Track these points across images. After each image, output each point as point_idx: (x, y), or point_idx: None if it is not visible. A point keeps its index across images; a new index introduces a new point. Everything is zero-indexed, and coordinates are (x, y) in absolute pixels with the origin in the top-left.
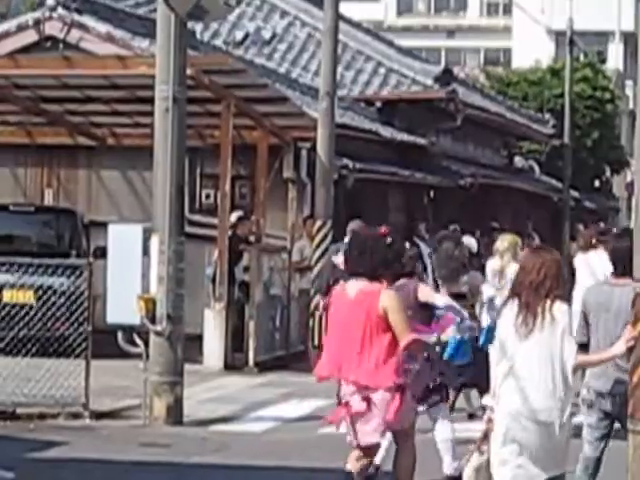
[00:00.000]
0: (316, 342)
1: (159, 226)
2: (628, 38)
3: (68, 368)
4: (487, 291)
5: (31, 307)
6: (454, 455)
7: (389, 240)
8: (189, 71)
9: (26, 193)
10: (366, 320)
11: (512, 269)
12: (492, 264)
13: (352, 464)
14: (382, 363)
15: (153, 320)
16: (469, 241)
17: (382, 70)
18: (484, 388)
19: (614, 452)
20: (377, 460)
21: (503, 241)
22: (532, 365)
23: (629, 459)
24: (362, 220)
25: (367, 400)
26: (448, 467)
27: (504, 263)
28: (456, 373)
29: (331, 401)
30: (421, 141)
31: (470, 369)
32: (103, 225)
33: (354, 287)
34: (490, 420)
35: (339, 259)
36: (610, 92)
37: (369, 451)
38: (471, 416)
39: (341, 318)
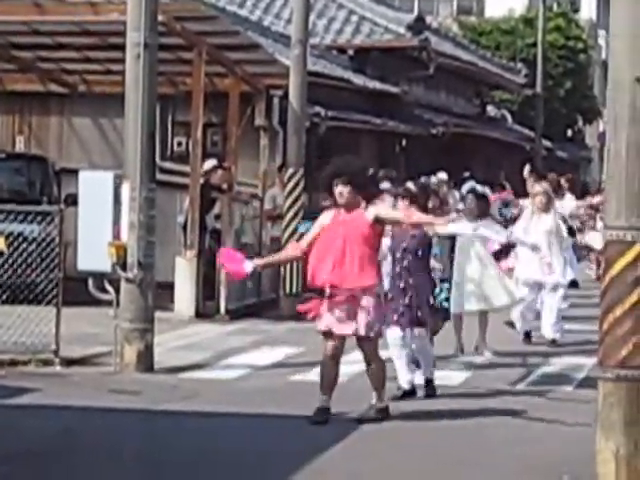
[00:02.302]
0: (288, 289)
1: (130, 173)
2: None
3: (39, 315)
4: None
5: (1, 254)
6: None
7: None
8: (161, 17)
9: None
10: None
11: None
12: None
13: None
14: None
15: (124, 267)
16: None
17: (355, 18)
18: None
19: (585, 401)
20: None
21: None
22: None
23: (598, 407)
24: None
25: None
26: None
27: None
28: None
29: (302, 349)
30: (393, 89)
31: None
32: (74, 172)
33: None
34: None
35: None
36: (583, 42)
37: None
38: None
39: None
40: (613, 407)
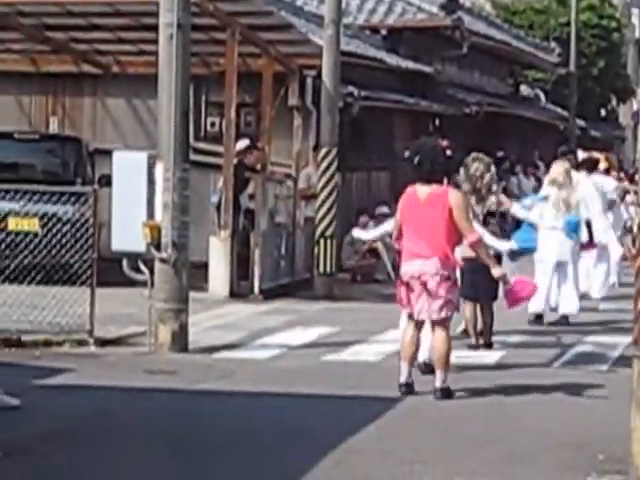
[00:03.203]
0: (321, 269)
1: (164, 153)
2: None
3: (73, 296)
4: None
5: (36, 235)
6: None
7: (449, 153)
8: None
9: (31, 121)
10: (437, 216)
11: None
12: (551, 196)
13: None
14: (446, 245)
15: (158, 247)
16: None
17: None
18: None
19: (620, 379)
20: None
21: (557, 171)
22: None
23: (634, 385)
24: (367, 148)
25: (424, 284)
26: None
27: (566, 193)
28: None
29: (335, 329)
30: (426, 69)
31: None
32: (108, 153)
33: (424, 190)
34: None
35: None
36: (616, 20)
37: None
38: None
39: (415, 215)
40: None
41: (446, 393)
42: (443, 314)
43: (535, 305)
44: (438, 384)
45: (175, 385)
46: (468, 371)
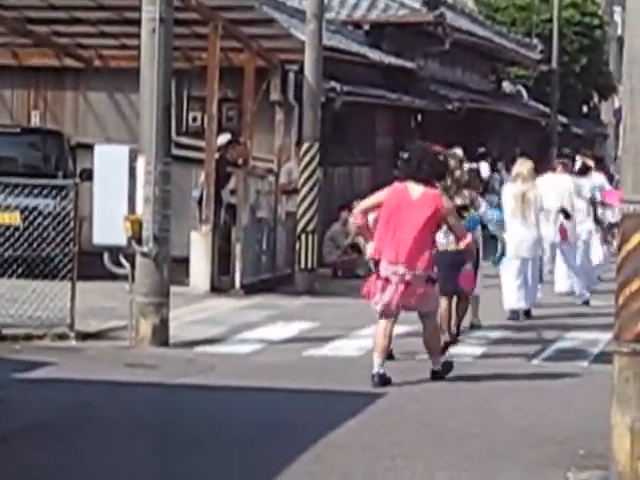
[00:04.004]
0: (303, 265)
1: (145, 147)
2: None
3: (54, 289)
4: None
5: (17, 228)
6: None
7: (442, 158)
8: None
9: (13, 115)
10: (427, 216)
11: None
12: (513, 188)
13: (380, 340)
14: (424, 250)
15: (139, 241)
16: (482, 166)
17: None
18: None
19: (600, 375)
20: None
21: (525, 166)
22: None
23: (614, 381)
24: (349, 143)
25: (405, 282)
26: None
27: (527, 188)
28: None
29: (316, 324)
30: (409, 65)
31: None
32: (90, 147)
33: (417, 189)
34: None
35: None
36: (599, 18)
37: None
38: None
39: (402, 212)
40: (629, 381)
41: (444, 369)
42: (433, 307)
43: (509, 302)
44: (436, 367)
45: (156, 379)
46: None
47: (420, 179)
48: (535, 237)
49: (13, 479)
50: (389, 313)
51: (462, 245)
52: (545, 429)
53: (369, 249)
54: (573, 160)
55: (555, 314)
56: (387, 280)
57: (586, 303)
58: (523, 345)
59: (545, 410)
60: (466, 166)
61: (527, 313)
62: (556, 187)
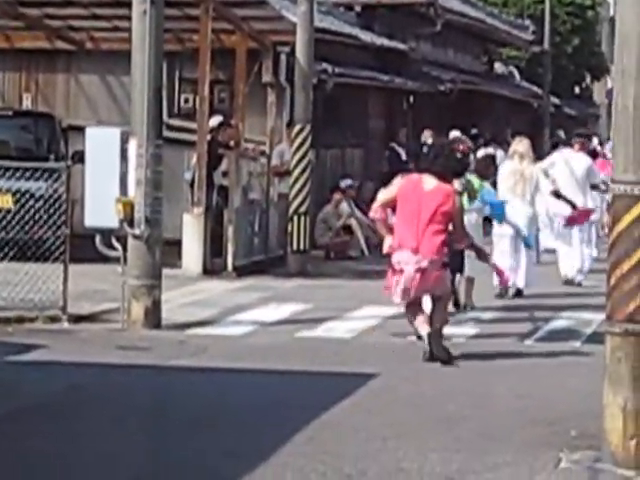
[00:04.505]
0: (295, 246)
1: (137, 129)
2: None
3: (46, 272)
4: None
5: (9, 211)
6: None
7: (460, 155)
8: None
9: (4, 98)
10: (436, 208)
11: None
12: (511, 165)
13: (422, 327)
14: (439, 237)
15: (131, 223)
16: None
17: None
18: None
19: (593, 355)
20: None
21: (523, 144)
22: None
23: (606, 361)
24: (341, 125)
25: (422, 270)
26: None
27: (524, 165)
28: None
29: (308, 305)
30: (401, 46)
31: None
32: (81, 129)
33: (431, 181)
34: None
35: None
36: None
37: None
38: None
39: (415, 201)
40: (621, 362)
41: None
42: (446, 289)
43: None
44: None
45: (148, 361)
46: None
47: (435, 172)
48: (531, 214)
49: (5, 461)
50: (411, 303)
51: (459, 248)
52: (537, 410)
53: (386, 244)
54: (589, 139)
55: (548, 294)
56: (401, 271)
57: (579, 284)
58: (516, 326)
59: (537, 391)
60: (481, 152)
61: (519, 292)
62: (573, 164)
